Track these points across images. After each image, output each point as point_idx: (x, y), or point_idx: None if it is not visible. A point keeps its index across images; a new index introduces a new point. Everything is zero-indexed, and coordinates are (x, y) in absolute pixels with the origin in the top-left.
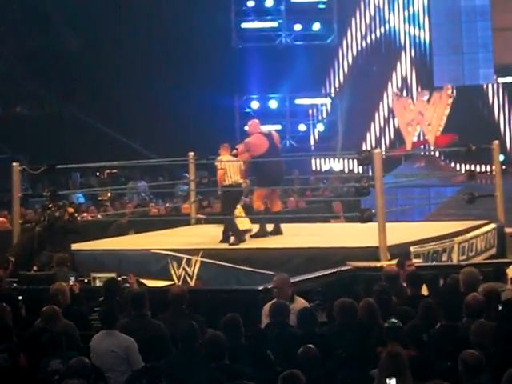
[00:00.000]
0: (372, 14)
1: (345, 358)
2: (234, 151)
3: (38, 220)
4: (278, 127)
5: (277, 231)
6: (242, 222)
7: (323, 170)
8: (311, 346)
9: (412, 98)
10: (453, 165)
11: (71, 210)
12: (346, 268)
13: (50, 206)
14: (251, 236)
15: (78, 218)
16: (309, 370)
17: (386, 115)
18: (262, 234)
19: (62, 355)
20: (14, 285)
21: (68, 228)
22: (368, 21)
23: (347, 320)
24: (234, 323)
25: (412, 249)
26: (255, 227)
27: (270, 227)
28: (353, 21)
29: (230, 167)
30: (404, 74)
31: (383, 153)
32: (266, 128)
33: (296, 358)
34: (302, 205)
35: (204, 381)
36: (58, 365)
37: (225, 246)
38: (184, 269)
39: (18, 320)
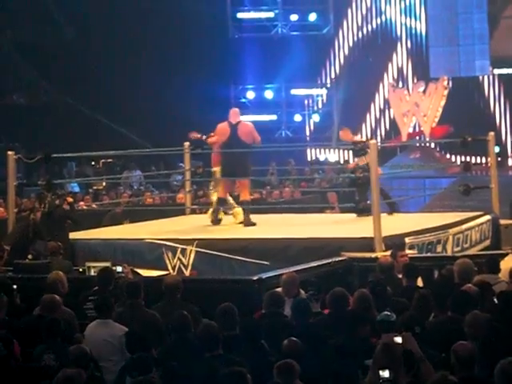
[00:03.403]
0: (368, 4)
1: (338, 349)
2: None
3: (33, 208)
4: (274, 117)
5: (246, 222)
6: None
7: (319, 160)
8: (294, 338)
9: (408, 89)
10: (448, 156)
11: (70, 199)
12: (340, 259)
13: (49, 194)
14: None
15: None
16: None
17: (382, 106)
18: (214, 222)
19: (57, 350)
20: (9, 273)
21: (67, 217)
22: (364, 12)
23: (338, 309)
24: (229, 313)
25: (407, 240)
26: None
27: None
28: (349, 11)
29: None
30: (400, 65)
31: (379, 144)
32: (262, 118)
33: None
34: (297, 195)
35: (197, 371)
36: (51, 361)
37: (219, 235)
38: (179, 258)
39: (13, 309)
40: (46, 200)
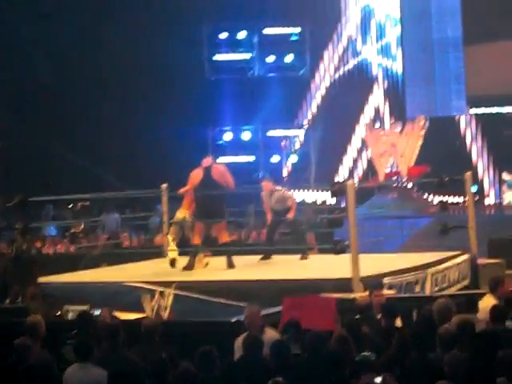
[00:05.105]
0: (345, 45)
1: None
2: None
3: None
4: (251, 159)
5: (229, 265)
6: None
7: (296, 201)
8: (279, 379)
9: (384, 129)
10: (426, 196)
11: (38, 243)
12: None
13: (17, 238)
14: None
15: (50, 251)
16: None
17: (359, 146)
18: (188, 266)
19: None
20: None
21: (34, 261)
22: (341, 52)
23: (317, 351)
24: (209, 355)
25: (385, 280)
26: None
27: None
28: (325, 52)
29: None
30: (377, 106)
31: (356, 184)
32: (239, 159)
33: None
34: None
35: None
36: None
37: (198, 278)
38: (157, 301)
39: None
40: (13, 245)
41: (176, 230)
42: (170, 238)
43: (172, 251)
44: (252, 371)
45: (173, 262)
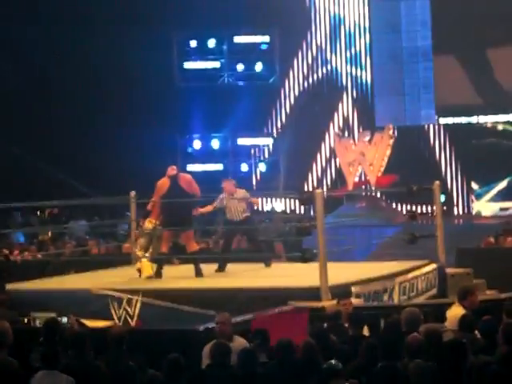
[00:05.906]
0: (314, 54)
1: None
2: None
3: None
4: (220, 167)
5: (197, 273)
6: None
7: (265, 210)
8: None
9: (354, 138)
10: (394, 205)
11: (6, 251)
12: (287, 308)
13: None
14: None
15: (18, 258)
16: None
17: (328, 155)
18: (156, 275)
19: None
20: None
21: (1, 268)
22: (310, 61)
23: (285, 358)
24: (176, 364)
25: (353, 289)
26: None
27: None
28: (295, 61)
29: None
30: (346, 115)
31: (325, 193)
32: (208, 167)
33: None
34: (243, 245)
35: None
36: None
37: (165, 285)
38: (125, 309)
39: None
40: None
41: (145, 241)
42: (139, 253)
43: (145, 269)
44: (220, 379)
45: (151, 277)
